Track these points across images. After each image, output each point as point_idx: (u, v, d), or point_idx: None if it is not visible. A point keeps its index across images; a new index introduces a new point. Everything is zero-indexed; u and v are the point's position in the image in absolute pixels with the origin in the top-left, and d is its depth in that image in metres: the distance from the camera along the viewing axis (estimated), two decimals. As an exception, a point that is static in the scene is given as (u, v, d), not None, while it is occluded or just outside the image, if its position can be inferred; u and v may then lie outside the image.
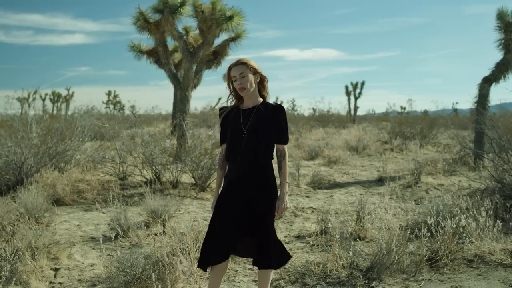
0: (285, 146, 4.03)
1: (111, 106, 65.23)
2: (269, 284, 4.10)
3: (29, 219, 6.59)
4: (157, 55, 16.43)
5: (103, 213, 8.01)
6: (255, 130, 3.88)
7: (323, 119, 36.86)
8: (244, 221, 3.86)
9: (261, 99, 4.02)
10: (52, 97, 57.15)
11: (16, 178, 9.16)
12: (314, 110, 51.13)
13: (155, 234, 6.56)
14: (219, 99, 40.08)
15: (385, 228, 5.69)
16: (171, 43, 16.73)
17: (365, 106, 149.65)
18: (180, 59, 19.30)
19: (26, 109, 56.84)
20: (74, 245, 6.27)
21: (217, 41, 15.48)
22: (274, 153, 4.00)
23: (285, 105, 55.09)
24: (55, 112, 54.28)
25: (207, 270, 4.02)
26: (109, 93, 65.37)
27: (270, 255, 3.93)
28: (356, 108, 45.95)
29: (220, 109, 4.12)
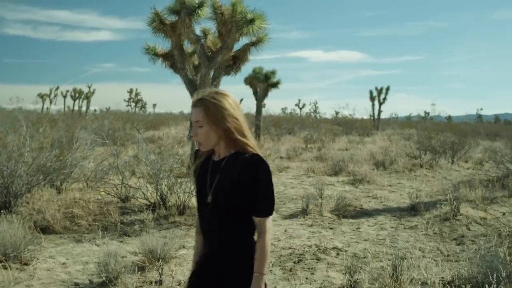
0: (268, 219, 2.71)
1: (132, 104, 65.08)
2: None
3: (6, 260, 5.64)
4: (173, 59, 15.28)
5: (97, 245, 6.99)
6: (220, 195, 2.72)
7: (346, 125, 35.88)
8: None
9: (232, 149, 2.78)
10: (73, 94, 56.90)
11: (4, 200, 8.08)
12: (337, 113, 50.31)
13: (150, 283, 5.51)
14: (241, 99, 39.43)
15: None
16: (188, 46, 15.67)
17: (388, 109, 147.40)
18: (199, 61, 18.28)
19: (47, 105, 56.89)
20: (52, 295, 5.25)
21: (237, 45, 14.35)
22: None
23: (307, 108, 54.56)
24: (75, 108, 54.10)
25: None
26: (130, 91, 65.43)
27: None
28: (380, 112, 44.70)
29: (195, 157, 2.93)
